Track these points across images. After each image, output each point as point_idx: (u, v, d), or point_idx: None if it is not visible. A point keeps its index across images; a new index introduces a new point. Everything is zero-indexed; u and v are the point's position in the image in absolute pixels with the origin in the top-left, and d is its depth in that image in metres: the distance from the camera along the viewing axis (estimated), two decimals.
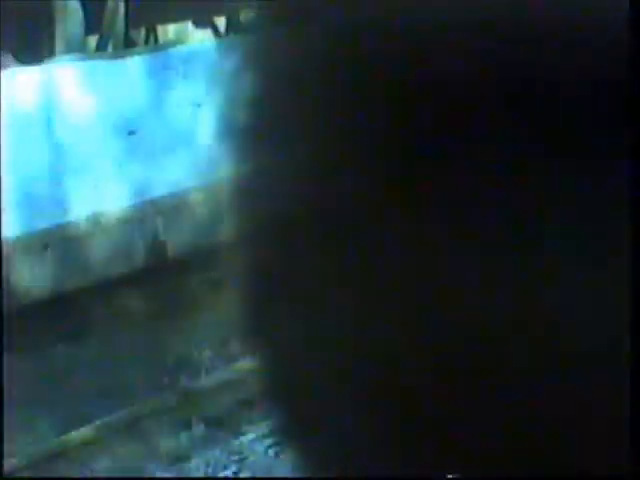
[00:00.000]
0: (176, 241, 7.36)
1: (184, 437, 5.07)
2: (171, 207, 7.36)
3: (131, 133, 7.09)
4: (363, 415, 0.36)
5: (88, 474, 4.79)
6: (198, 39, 7.96)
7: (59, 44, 7.03)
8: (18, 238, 6.62)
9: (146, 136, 7.18)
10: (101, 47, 7.37)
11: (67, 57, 7.01)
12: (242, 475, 4.86)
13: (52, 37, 7.01)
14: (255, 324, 0.39)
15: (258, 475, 4.81)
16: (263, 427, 5.07)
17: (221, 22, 8.19)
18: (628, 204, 0.32)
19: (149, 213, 7.27)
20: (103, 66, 7.03)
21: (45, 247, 6.76)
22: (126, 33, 7.51)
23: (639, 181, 0.32)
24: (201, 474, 4.82)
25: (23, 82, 6.65)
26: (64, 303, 6.60)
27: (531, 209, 0.33)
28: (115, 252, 7.07)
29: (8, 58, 7.00)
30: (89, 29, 7.21)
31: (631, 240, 0.32)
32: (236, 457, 4.95)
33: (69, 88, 6.82)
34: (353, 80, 0.34)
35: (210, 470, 4.86)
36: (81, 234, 6.95)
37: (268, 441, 4.97)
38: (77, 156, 6.89)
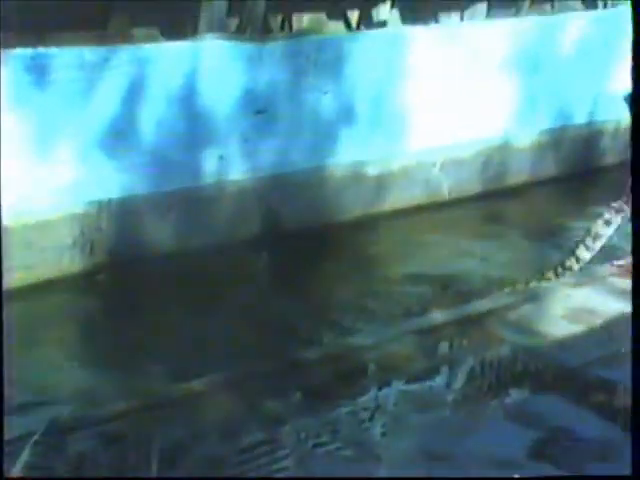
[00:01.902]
0: (289, 214, 7.67)
1: (283, 403, 5.32)
2: (287, 184, 7.66)
3: (259, 112, 7.40)
4: None
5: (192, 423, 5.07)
6: (330, 30, 8.19)
7: (202, 23, 7.36)
8: (146, 196, 7.02)
9: (273, 116, 7.49)
10: (240, 30, 7.69)
11: (209, 36, 7.34)
12: (333, 446, 5.05)
13: (196, 16, 7.34)
14: None
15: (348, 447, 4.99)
16: (358, 402, 5.35)
17: (353, 15, 8.43)
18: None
19: (267, 186, 7.59)
20: (241, 47, 7.37)
21: (169, 207, 7.13)
22: (264, 19, 7.82)
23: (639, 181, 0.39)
24: (294, 439, 5.01)
25: (170, 54, 7.02)
26: (184, 259, 6.97)
27: None
28: (233, 218, 7.44)
29: (154, 32, 7.37)
30: (230, 12, 7.53)
31: (632, 240, 0.39)
32: (329, 428, 5.15)
33: (208, 64, 7.16)
34: None
35: (302, 436, 5.05)
36: (204, 198, 7.31)
37: (362, 415, 5.23)
38: (208, 127, 7.24)
